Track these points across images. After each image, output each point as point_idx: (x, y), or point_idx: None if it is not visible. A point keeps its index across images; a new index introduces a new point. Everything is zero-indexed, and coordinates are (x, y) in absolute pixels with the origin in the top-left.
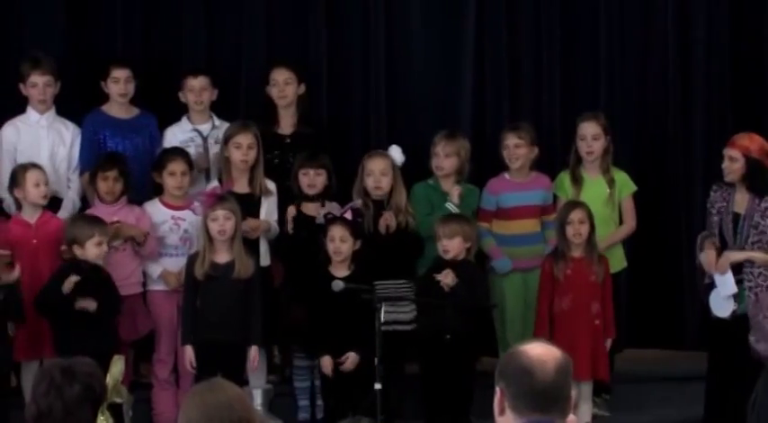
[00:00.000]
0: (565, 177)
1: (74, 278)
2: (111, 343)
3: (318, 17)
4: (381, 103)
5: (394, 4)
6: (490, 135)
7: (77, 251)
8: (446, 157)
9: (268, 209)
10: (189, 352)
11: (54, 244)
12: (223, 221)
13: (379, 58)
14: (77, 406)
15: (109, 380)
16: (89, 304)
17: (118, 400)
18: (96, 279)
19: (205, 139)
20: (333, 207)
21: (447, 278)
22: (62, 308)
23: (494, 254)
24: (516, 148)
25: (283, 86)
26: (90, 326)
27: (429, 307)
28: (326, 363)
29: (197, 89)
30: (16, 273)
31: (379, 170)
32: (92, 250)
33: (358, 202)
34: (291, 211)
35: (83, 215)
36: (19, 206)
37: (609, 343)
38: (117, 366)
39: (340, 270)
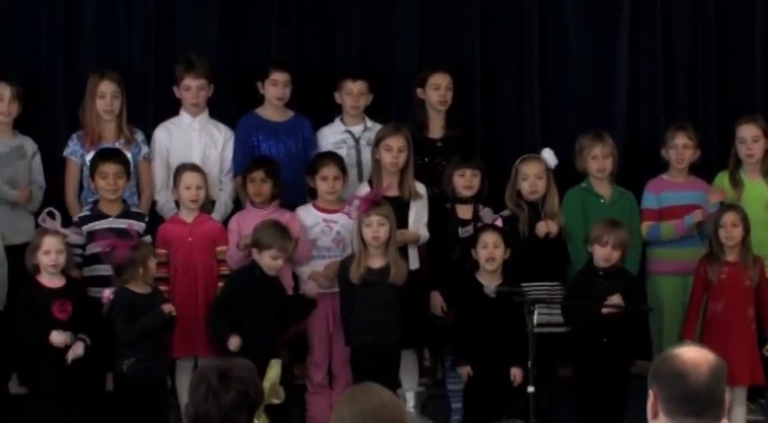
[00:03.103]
0: (723, 179)
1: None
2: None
3: (472, 18)
4: (535, 105)
5: (548, 4)
6: (644, 137)
7: (256, 255)
8: (604, 158)
9: (417, 212)
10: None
11: (208, 243)
12: (377, 227)
13: (533, 59)
14: (234, 411)
15: (266, 383)
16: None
17: (275, 401)
18: (269, 287)
19: (357, 140)
20: (487, 213)
21: (617, 300)
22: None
23: (678, 226)
24: (685, 148)
25: (445, 91)
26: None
27: (583, 310)
28: (464, 372)
29: (355, 93)
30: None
31: (534, 174)
32: (266, 261)
33: (506, 212)
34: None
35: (274, 223)
36: (178, 206)
37: None
38: (274, 370)
39: (490, 279)
